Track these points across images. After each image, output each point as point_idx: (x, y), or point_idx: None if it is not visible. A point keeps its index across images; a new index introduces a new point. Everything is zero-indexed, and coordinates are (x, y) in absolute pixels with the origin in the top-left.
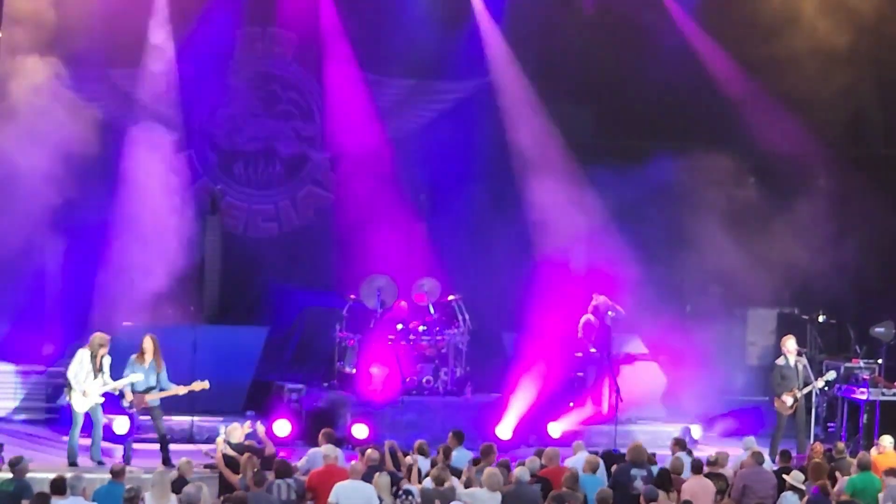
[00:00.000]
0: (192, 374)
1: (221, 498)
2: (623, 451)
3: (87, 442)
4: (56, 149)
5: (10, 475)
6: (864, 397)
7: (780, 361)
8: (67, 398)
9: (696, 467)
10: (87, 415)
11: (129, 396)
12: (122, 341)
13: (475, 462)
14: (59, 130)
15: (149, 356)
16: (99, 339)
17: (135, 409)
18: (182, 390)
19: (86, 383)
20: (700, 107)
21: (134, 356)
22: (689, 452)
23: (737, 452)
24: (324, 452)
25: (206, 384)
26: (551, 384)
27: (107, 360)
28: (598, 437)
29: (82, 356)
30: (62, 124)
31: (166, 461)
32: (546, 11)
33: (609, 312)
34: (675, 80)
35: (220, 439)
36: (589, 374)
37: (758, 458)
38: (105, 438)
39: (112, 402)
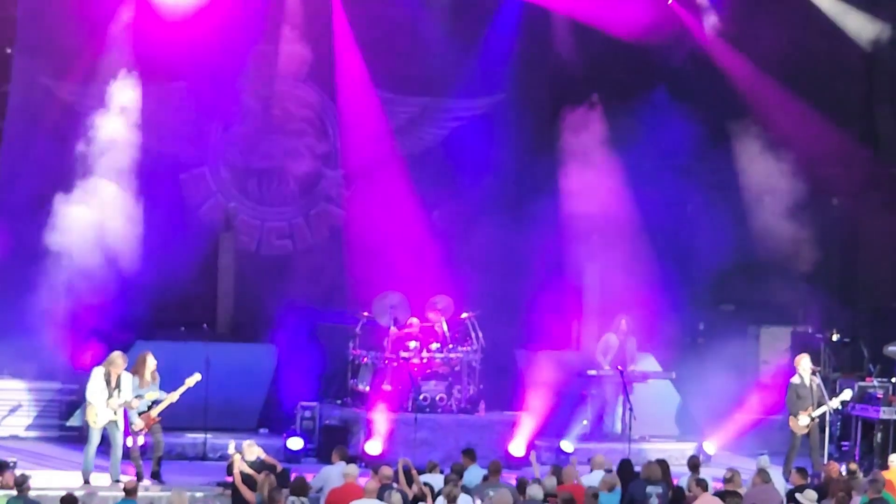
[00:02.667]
0: (205, 391)
1: None
2: (637, 468)
3: (103, 461)
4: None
5: (16, 493)
6: (877, 416)
7: (796, 380)
8: (84, 416)
9: (703, 486)
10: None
11: (138, 423)
12: (136, 358)
13: (485, 479)
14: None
15: (149, 376)
16: (115, 358)
17: (145, 430)
18: (176, 395)
19: (101, 401)
20: (710, 121)
21: (136, 382)
22: (698, 471)
23: (750, 470)
24: (343, 471)
25: (197, 376)
26: (565, 402)
27: (126, 378)
28: (611, 455)
29: (98, 374)
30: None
31: (156, 475)
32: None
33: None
34: (691, 97)
35: (237, 457)
36: (603, 391)
37: (764, 477)
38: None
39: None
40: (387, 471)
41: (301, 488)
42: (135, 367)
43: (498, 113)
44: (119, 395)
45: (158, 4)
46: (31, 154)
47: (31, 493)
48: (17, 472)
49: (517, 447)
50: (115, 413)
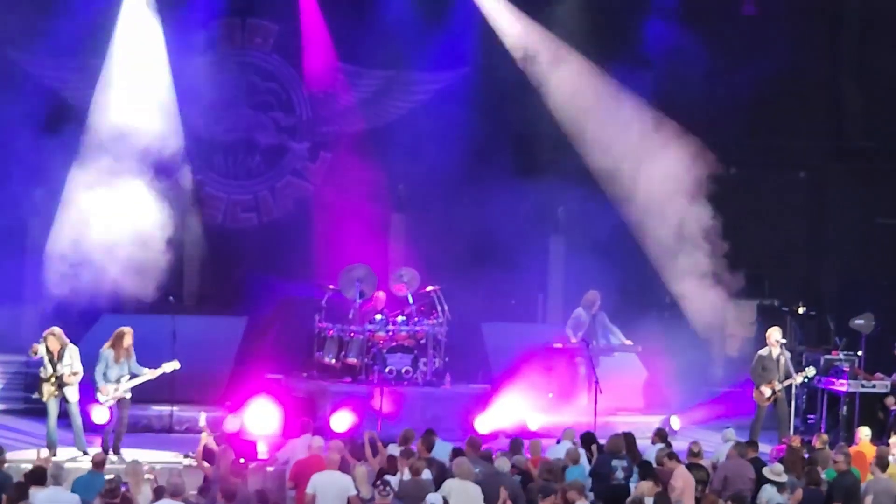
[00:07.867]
0: None
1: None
2: (603, 441)
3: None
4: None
5: None
6: (843, 389)
7: (764, 352)
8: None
9: (676, 458)
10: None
11: (105, 392)
12: (102, 331)
13: (458, 453)
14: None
15: (124, 352)
16: (49, 333)
17: (112, 402)
18: (154, 374)
19: (45, 374)
20: (679, 97)
21: (110, 354)
22: (669, 444)
23: (716, 443)
24: (309, 443)
25: (176, 364)
26: (531, 375)
27: (71, 351)
28: (577, 429)
29: (40, 348)
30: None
31: (116, 451)
32: None
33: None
34: (669, 73)
35: (204, 435)
36: (569, 365)
37: (740, 451)
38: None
39: (88, 394)
40: (353, 444)
41: None
42: (112, 341)
43: (462, 87)
44: (59, 369)
45: None
46: None
47: None
48: None
49: (483, 421)
50: (56, 389)
